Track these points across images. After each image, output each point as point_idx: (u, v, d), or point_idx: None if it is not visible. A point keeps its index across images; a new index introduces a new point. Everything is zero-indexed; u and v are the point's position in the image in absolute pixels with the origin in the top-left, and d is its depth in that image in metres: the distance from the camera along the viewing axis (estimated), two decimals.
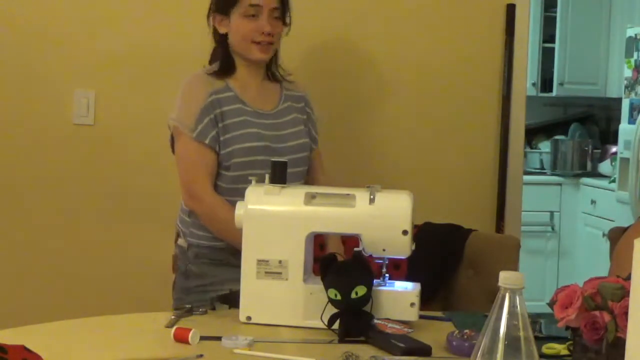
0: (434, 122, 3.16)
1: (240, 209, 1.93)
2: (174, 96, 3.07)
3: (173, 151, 2.38)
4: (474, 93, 3.17)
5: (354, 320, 1.82)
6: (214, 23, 2.36)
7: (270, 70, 2.43)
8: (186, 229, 2.36)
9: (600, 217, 5.29)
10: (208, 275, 2.31)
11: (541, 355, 1.45)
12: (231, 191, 2.26)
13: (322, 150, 2.78)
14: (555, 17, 5.80)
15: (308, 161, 2.43)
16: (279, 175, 1.95)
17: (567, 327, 1.52)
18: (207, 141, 2.26)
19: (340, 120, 3.13)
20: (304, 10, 3.09)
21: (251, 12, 2.29)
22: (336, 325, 1.83)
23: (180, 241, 2.39)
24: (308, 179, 2.45)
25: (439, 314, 2.06)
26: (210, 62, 2.44)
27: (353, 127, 3.13)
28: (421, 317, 1.92)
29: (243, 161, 2.27)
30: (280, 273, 1.91)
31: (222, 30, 2.35)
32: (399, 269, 2.36)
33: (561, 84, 5.82)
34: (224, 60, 2.35)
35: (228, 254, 2.25)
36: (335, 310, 1.85)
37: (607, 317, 1.44)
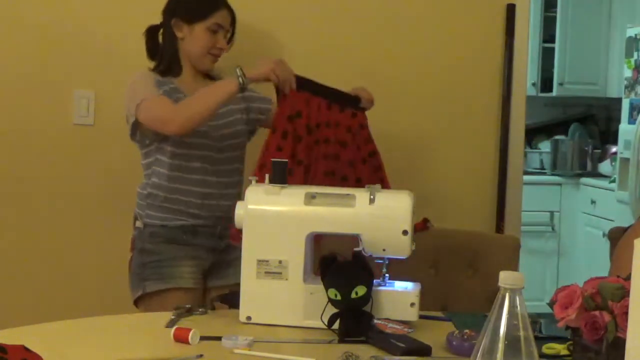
0: (434, 122, 3.17)
1: (240, 209, 1.93)
2: None
3: (134, 137, 2.57)
4: (474, 93, 3.17)
5: (354, 320, 1.82)
6: (171, 26, 2.58)
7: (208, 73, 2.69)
8: (142, 211, 2.57)
9: (600, 217, 5.29)
10: (162, 252, 2.52)
11: (541, 355, 1.45)
12: (172, 166, 2.52)
13: None
14: (555, 17, 5.80)
15: (244, 145, 2.68)
16: (279, 175, 1.95)
17: (567, 327, 1.52)
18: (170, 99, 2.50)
19: None
20: (308, 11, 3.10)
21: (214, 29, 2.56)
22: (336, 325, 1.83)
23: (138, 223, 2.59)
24: None
25: (439, 314, 2.06)
26: (156, 63, 2.65)
27: None
28: (421, 317, 1.92)
29: (184, 141, 2.50)
30: (280, 273, 1.91)
31: (179, 35, 2.59)
32: None
33: (561, 84, 5.82)
34: (172, 61, 2.60)
35: (180, 232, 2.53)
36: (335, 310, 1.85)
37: (607, 317, 1.44)
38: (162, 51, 2.63)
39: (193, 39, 2.57)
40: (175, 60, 2.60)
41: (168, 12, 2.61)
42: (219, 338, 1.74)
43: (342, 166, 2.55)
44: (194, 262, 2.53)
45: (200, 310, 1.98)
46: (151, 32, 2.67)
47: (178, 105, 2.46)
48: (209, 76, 2.68)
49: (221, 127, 2.57)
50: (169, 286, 2.49)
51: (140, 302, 2.53)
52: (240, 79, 2.38)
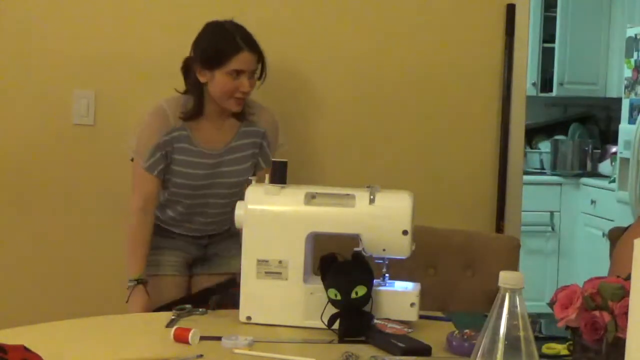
0: (434, 122, 3.17)
1: (240, 209, 1.93)
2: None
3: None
4: (474, 93, 3.17)
5: (354, 320, 1.82)
6: (195, 71, 2.55)
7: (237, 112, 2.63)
8: None
9: (600, 217, 5.29)
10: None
11: (541, 355, 1.44)
12: (168, 202, 2.65)
13: (323, 150, 2.77)
14: (555, 17, 5.80)
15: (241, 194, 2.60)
16: (279, 175, 1.95)
17: (567, 327, 1.52)
18: (155, 173, 2.55)
19: (341, 119, 3.13)
20: (307, 11, 3.10)
21: (234, 75, 2.51)
22: (336, 325, 1.83)
23: None
24: None
25: (439, 314, 2.06)
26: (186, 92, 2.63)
27: (353, 126, 3.13)
28: (421, 317, 1.92)
29: (181, 192, 2.60)
30: (280, 273, 1.91)
31: (202, 80, 2.55)
32: None
33: (561, 84, 5.82)
34: (196, 106, 2.57)
35: (172, 225, 2.68)
36: (335, 310, 1.85)
37: (607, 317, 1.44)
38: (189, 90, 2.60)
39: (215, 84, 2.52)
40: (200, 106, 2.56)
41: (192, 56, 2.58)
42: (219, 338, 1.74)
43: None
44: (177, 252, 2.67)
45: (200, 310, 1.98)
46: (186, 65, 2.63)
47: (131, 224, 2.58)
48: (238, 118, 2.62)
49: (226, 175, 2.60)
50: None
51: None
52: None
